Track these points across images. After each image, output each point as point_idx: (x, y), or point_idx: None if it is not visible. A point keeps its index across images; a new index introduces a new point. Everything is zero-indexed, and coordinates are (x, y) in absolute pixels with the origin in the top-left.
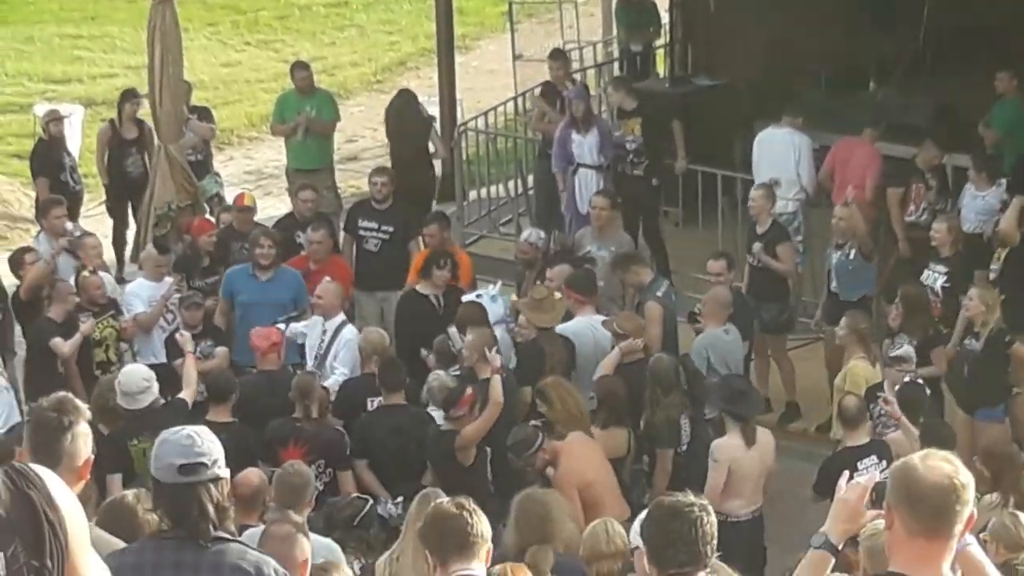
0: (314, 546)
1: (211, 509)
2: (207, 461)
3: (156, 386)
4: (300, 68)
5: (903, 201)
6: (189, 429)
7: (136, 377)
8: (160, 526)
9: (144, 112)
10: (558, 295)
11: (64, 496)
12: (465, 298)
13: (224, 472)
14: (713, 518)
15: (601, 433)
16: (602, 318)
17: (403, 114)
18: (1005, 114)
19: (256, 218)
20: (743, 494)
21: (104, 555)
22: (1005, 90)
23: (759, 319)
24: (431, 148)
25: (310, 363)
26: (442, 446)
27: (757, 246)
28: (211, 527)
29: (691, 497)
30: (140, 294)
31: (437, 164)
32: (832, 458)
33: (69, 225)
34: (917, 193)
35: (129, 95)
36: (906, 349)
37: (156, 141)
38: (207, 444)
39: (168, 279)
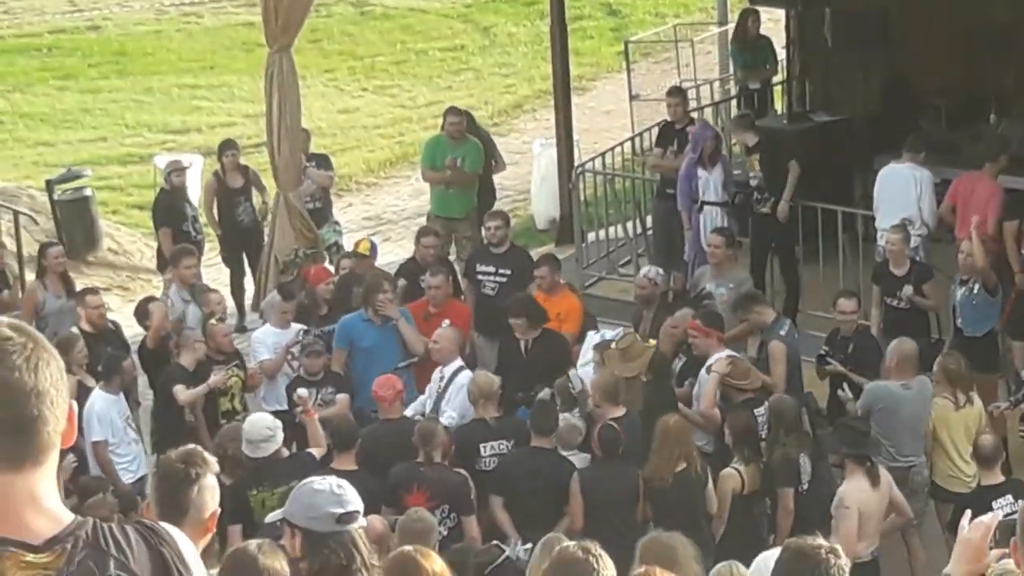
0: None
1: (367, 555)
2: (359, 508)
3: (280, 435)
4: (453, 114)
5: (1019, 234)
6: (331, 480)
7: (260, 426)
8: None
9: (262, 160)
10: (652, 342)
11: (193, 556)
12: (590, 338)
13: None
14: (843, 562)
15: (747, 469)
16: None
17: None
18: None
19: (375, 263)
20: (867, 535)
21: None
22: None
23: None
24: (492, 164)
25: (428, 408)
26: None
27: (908, 289)
28: (368, 573)
29: (820, 540)
30: (266, 341)
31: (496, 178)
32: (967, 497)
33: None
34: None
35: (226, 146)
36: None
37: (275, 187)
38: (352, 493)
39: (295, 326)
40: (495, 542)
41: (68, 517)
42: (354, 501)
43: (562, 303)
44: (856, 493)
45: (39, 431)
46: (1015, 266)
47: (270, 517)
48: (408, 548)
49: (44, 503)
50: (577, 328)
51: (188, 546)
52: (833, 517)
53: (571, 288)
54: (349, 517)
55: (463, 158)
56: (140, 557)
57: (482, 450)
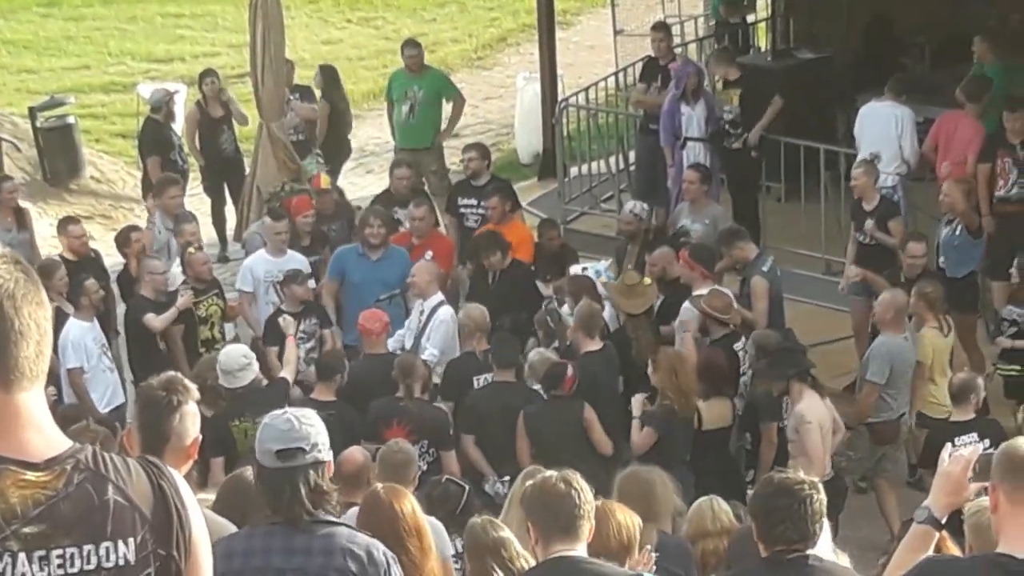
0: None
1: (304, 494)
2: (305, 446)
3: (256, 364)
4: (410, 46)
5: (991, 177)
6: (291, 413)
7: (236, 355)
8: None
9: (245, 90)
10: (648, 280)
11: (190, 498)
12: (572, 270)
13: (326, 456)
14: (822, 496)
15: (704, 404)
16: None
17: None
18: None
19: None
20: (828, 450)
21: (214, 541)
22: (980, 56)
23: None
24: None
25: (408, 343)
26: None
27: (870, 223)
28: (304, 512)
29: (801, 474)
30: (255, 269)
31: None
32: (934, 432)
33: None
34: (1003, 167)
35: (205, 75)
36: None
37: (258, 118)
38: (306, 428)
39: (293, 254)
40: (446, 477)
41: (67, 442)
42: (305, 437)
43: (512, 233)
44: (813, 409)
45: (43, 353)
46: (983, 208)
47: None
48: (379, 487)
49: (43, 425)
50: (529, 257)
51: (186, 488)
52: (792, 441)
53: (552, 223)
54: (289, 454)
55: (423, 89)
56: (139, 487)
57: (475, 383)
